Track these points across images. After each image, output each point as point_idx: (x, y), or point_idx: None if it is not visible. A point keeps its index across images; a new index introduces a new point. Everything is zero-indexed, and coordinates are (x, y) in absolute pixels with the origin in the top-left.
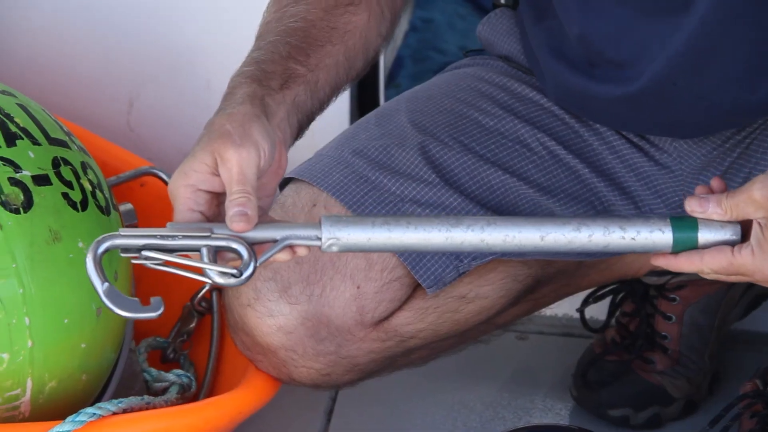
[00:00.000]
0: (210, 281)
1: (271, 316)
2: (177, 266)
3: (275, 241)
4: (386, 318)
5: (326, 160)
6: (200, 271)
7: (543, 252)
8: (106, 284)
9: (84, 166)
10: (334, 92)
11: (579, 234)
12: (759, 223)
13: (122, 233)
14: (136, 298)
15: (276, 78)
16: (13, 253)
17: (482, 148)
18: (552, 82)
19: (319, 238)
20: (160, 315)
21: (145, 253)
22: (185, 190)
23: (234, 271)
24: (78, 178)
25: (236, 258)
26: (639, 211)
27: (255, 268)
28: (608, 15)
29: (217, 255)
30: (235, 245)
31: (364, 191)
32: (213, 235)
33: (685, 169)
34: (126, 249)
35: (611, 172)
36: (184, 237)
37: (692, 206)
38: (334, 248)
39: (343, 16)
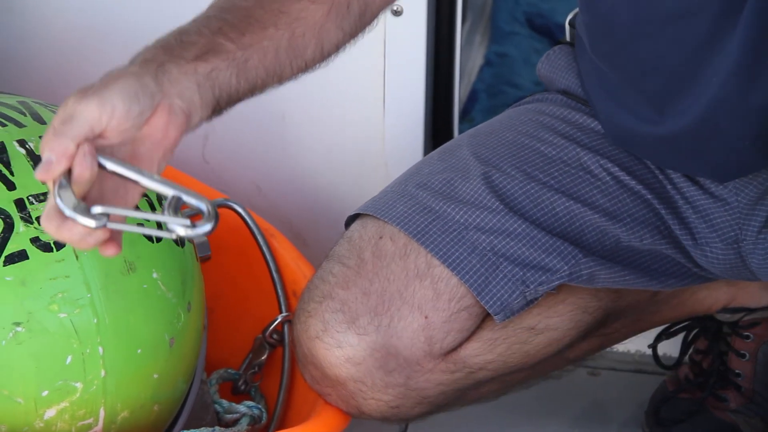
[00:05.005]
0: (172, 234)
1: (340, 348)
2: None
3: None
4: (455, 349)
5: (390, 194)
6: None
7: None
8: (64, 182)
9: (159, 197)
10: (273, 77)
11: None
12: None
13: (108, 158)
14: (84, 204)
15: (193, 49)
16: (88, 284)
17: (545, 176)
18: (602, 117)
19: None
20: (99, 227)
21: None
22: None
23: (187, 222)
24: (153, 209)
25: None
26: (695, 244)
27: (214, 225)
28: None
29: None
30: (203, 204)
31: (428, 221)
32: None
33: (741, 200)
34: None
35: (671, 201)
36: (163, 182)
37: None
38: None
39: (298, 2)
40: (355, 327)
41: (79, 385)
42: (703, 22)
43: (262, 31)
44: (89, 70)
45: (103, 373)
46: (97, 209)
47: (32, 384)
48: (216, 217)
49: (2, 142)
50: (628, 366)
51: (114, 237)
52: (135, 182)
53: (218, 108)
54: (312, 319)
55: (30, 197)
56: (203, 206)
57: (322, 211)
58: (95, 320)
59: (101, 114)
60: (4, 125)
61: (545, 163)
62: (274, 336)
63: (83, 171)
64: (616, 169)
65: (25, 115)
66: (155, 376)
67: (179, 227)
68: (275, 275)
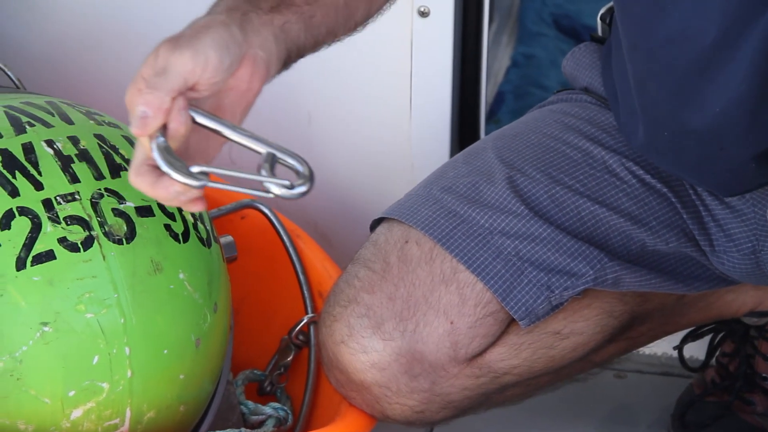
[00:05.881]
0: (268, 194)
1: (365, 353)
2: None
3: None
4: (480, 354)
5: (415, 198)
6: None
7: None
8: (162, 139)
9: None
10: (330, 35)
11: None
12: None
13: (198, 111)
14: (184, 162)
15: (267, 0)
16: (115, 284)
17: (570, 179)
18: (618, 119)
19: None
20: (200, 187)
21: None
22: (138, 95)
23: (287, 183)
24: (180, 210)
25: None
26: (713, 251)
27: (311, 186)
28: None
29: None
30: (299, 164)
31: (453, 225)
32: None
33: (758, 212)
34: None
35: (693, 206)
36: (253, 136)
37: None
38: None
39: None
40: (380, 332)
41: (105, 385)
42: (703, 43)
43: None
44: (118, 70)
45: (129, 373)
46: (195, 168)
47: (59, 384)
48: (312, 178)
49: (30, 142)
50: (655, 368)
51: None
52: (225, 137)
53: (288, 61)
54: (337, 324)
55: (58, 197)
56: (299, 165)
57: (348, 212)
58: (122, 320)
59: (195, 66)
60: (32, 125)
61: (570, 166)
62: (300, 337)
63: (179, 126)
64: (641, 171)
65: (53, 116)
66: (181, 376)
67: (276, 187)
68: (301, 276)
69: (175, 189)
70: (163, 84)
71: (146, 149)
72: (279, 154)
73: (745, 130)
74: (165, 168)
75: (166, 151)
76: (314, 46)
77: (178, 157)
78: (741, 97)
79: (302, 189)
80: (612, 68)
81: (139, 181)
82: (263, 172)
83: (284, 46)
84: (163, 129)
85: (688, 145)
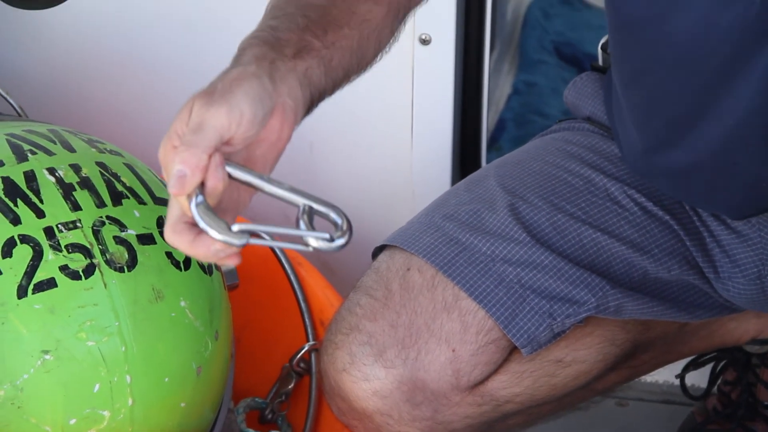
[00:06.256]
0: (308, 247)
1: (367, 381)
2: (277, 238)
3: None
4: (482, 382)
5: (417, 225)
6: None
7: None
8: (201, 197)
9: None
10: (346, 78)
11: None
12: None
13: (233, 165)
14: (224, 221)
15: (290, 46)
16: (116, 312)
17: (572, 207)
18: (622, 146)
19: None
20: (241, 246)
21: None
22: (174, 152)
23: (327, 236)
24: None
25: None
26: (717, 277)
27: (350, 237)
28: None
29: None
30: (338, 216)
31: (455, 252)
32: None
33: (764, 236)
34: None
35: (697, 233)
36: (290, 189)
37: None
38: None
39: (365, 3)
40: (382, 360)
41: (106, 413)
42: (713, 64)
43: (339, 30)
44: (119, 98)
45: (130, 401)
46: (236, 227)
47: (60, 412)
48: (351, 229)
49: (32, 170)
50: (657, 396)
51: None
52: (263, 190)
53: (311, 106)
54: (339, 351)
55: (59, 225)
56: (337, 217)
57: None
58: (123, 348)
59: (230, 121)
60: (34, 153)
61: (572, 193)
62: (301, 365)
63: (217, 183)
64: (644, 199)
65: (55, 143)
66: (182, 404)
67: (316, 240)
68: (302, 304)
69: (216, 248)
70: (199, 141)
71: (183, 206)
72: (316, 206)
73: (759, 143)
74: (207, 228)
75: (205, 210)
76: (333, 89)
77: (216, 215)
78: (756, 109)
79: (341, 241)
80: (612, 98)
81: (176, 239)
82: (302, 225)
83: (308, 92)
84: (200, 186)
85: (701, 163)
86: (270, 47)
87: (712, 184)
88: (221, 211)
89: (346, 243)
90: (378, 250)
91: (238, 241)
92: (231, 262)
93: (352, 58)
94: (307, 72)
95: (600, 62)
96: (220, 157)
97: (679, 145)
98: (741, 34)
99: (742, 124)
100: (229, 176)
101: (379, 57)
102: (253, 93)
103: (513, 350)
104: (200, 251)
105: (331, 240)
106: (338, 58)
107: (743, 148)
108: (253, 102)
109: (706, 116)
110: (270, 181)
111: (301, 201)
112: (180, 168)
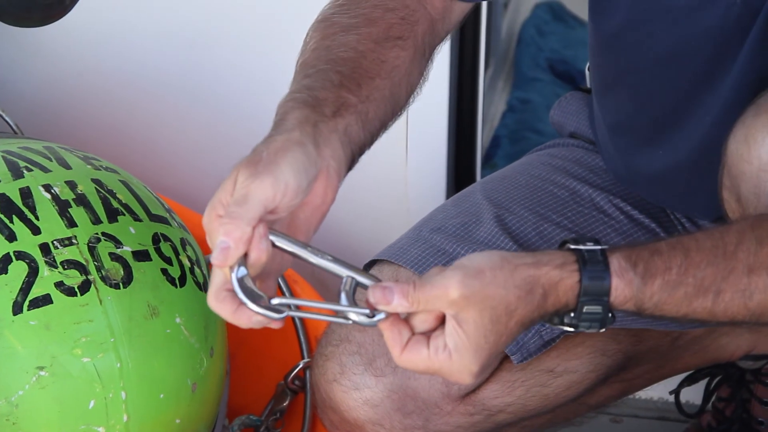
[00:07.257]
0: (348, 321)
1: (357, 390)
2: (315, 311)
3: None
4: (473, 391)
5: (405, 240)
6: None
7: None
8: (243, 269)
9: (183, 242)
10: (382, 128)
11: None
12: (456, 321)
13: (277, 234)
14: (264, 295)
15: (328, 105)
16: (111, 328)
17: (558, 216)
18: (604, 155)
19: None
20: (281, 319)
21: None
22: (218, 222)
23: (367, 312)
24: (177, 254)
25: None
26: None
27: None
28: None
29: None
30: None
31: (443, 262)
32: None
33: None
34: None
35: None
36: (333, 260)
37: (376, 298)
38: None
39: (392, 50)
40: (372, 368)
41: (101, 429)
42: (695, 64)
43: (371, 81)
44: (115, 116)
45: (125, 417)
46: (275, 300)
47: (55, 428)
48: None
49: (28, 187)
50: (651, 413)
51: None
52: (306, 260)
53: (352, 163)
54: (329, 363)
55: (55, 242)
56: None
57: (345, 257)
58: (118, 365)
59: (275, 193)
60: (30, 170)
61: (558, 204)
62: (296, 382)
63: (260, 254)
64: (629, 207)
65: (51, 160)
66: (177, 421)
67: (357, 316)
68: (297, 321)
69: (257, 319)
70: (243, 213)
71: (225, 275)
72: (359, 278)
73: None
74: (247, 302)
75: (246, 283)
76: (371, 141)
77: (257, 289)
78: (732, 104)
79: (381, 317)
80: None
81: (219, 307)
82: (343, 297)
83: (349, 149)
84: (244, 256)
85: (680, 164)
86: (311, 109)
87: (690, 185)
88: (264, 273)
89: (386, 317)
90: (369, 266)
91: (278, 315)
92: (274, 326)
93: (387, 107)
94: (347, 130)
95: (588, 83)
96: (265, 228)
97: (661, 145)
98: (722, 34)
99: (718, 121)
100: (273, 245)
101: (412, 99)
102: (297, 164)
103: (504, 359)
104: (242, 321)
105: (372, 316)
106: (374, 110)
107: (719, 147)
108: (297, 173)
109: (688, 115)
110: (314, 251)
111: (344, 273)
112: (223, 240)
